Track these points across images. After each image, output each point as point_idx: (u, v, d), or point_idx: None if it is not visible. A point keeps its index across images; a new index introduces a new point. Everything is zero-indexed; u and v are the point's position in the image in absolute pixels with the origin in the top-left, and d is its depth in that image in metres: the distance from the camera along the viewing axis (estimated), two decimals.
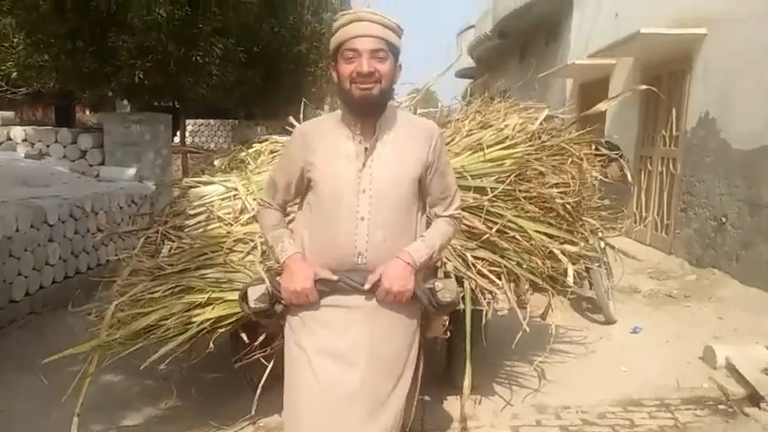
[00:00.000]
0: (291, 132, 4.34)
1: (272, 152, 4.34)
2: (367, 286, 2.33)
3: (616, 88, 10.28)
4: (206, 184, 4.16)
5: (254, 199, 3.78)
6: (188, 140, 17.24)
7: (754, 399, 4.06)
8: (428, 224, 2.59)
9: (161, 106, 12.08)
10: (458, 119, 4.13)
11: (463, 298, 3.26)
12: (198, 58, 10.17)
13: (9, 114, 13.07)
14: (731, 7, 7.68)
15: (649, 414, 4.02)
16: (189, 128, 19.57)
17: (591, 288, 5.50)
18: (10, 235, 5.52)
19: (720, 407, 4.09)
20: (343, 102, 2.37)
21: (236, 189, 3.96)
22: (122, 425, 3.93)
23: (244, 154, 4.42)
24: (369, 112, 2.33)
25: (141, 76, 9.83)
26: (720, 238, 7.48)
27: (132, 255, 3.86)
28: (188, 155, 12.83)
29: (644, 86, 4.39)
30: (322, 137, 2.42)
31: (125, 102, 12.41)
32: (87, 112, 16.73)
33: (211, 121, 20.81)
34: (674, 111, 9.00)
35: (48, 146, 11.42)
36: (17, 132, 11.85)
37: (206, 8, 10.16)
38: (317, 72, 15.91)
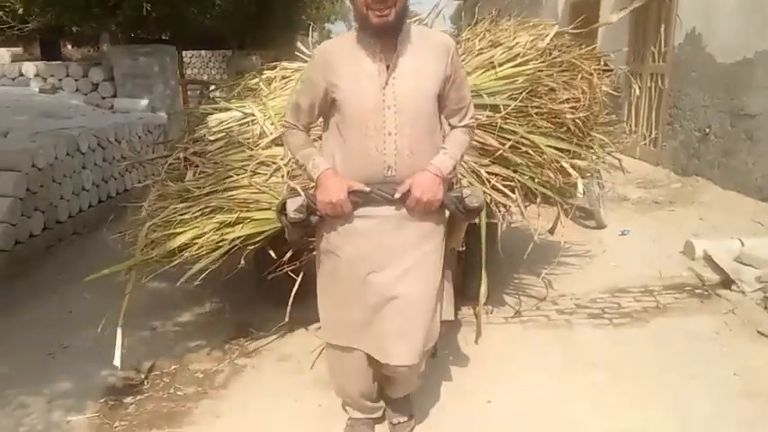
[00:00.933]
0: (299, 58, 4.37)
1: (283, 78, 4.31)
2: (397, 195, 2.39)
3: (607, 6, 10.11)
4: (223, 110, 4.10)
5: (272, 123, 3.81)
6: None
7: (726, 283, 4.54)
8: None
9: (151, 39, 11.85)
10: (467, 38, 4.08)
11: None
12: None
13: (18, 50, 12.90)
14: None
15: (634, 298, 4.46)
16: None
17: (584, 196, 5.57)
18: (51, 162, 5.87)
19: (697, 291, 4.54)
20: (360, 25, 2.37)
21: (253, 114, 3.94)
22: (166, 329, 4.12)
23: (256, 80, 4.33)
24: (387, 34, 2.33)
25: (149, 8, 9.66)
26: (704, 148, 7.73)
27: (159, 180, 3.90)
28: (186, 87, 12.68)
29: (620, 15, 4.26)
30: (343, 57, 2.41)
31: (107, 35, 12.13)
32: (69, 47, 16.36)
33: (203, 53, 20.18)
34: (662, 27, 8.92)
35: (60, 80, 11.33)
36: (29, 68, 11.74)
37: None
38: None
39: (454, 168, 2.53)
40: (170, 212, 3.53)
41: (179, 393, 3.44)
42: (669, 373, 3.43)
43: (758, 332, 3.81)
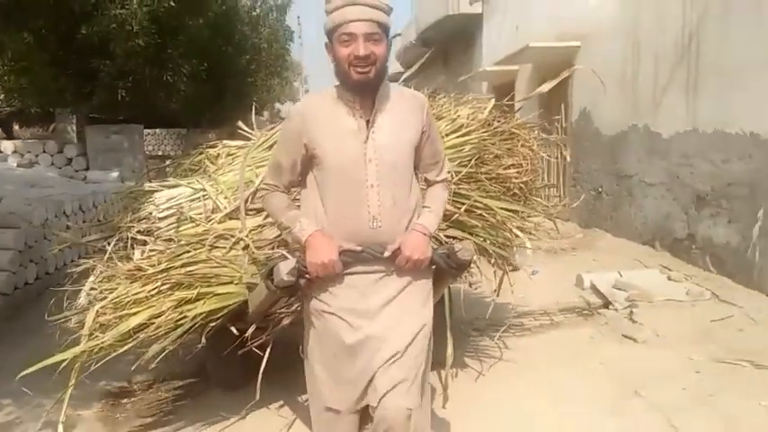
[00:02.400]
0: (243, 136, 4.18)
1: (228, 155, 4.13)
2: (387, 254, 2.32)
3: (520, 89, 11.36)
4: (171, 187, 3.83)
5: (225, 198, 3.57)
6: None
7: (605, 304, 5.57)
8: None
9: (111, 119, 12.93)
10: None
11: None
12: (168, 77, 11.33)
13: None
14: (600, 24, 8.93)
15: (534, 318, 5.18)
16: None
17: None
18: (43, 222, 6.57)
19: (584, 312, 5.45)
20: (341, 82, 2.32)
21: (204, 190, 3.72)
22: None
23: (202, 156, 4.11)
24: (367, 91, 2.30)
25: (123, 94, 11.00)
26: (599, 204, 8.82)
27: (102, 261, 3.56)
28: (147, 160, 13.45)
29: (550, 86, 4.38)
30: (322, 114, 2.35)
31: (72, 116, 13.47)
32: (18, 127, 16.29)
33: (157, 130, 19.92)
34: (562, 106, 9.95)
35: (36, 155, 12.43)
36: (7, 145, 12.90)
37: (172, 36, 11.30)
38: (257, 82, 16.86)
39: (438, 225, 2.52)
40: (122, 292, 3.22)
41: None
42: (555, 366, 4.21)
43: (622, 335, 4.76)
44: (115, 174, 10.66)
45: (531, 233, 3.81)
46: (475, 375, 4.08)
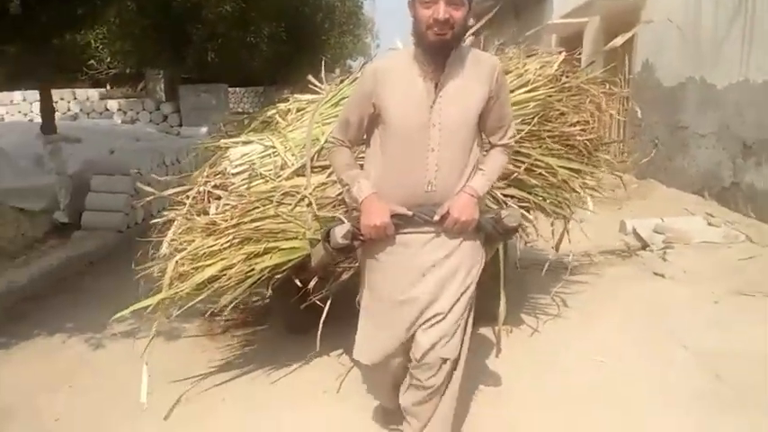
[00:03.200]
0: (314, 91, 3.82)
1: (298, 110, 3.75)
2: (436, 218, 2.16)
3: (588, 41, 10.48)
4: (244, 143, 3.52)
5: (293, 155, 3.28)
6: None
7: (644, 247, 5.36)
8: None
9: (194, 79, 12.94)
10: None
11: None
12: (252, 38, 11.46)
13: (103, 90, 14.50)
14: None
15: (577, 260, 4.56)
16: None
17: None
18: (148, 171, 6.64)
19: (624, 253, 5.24)
20: (418, 42, 2.10)
21: (273, 147, 3.40)
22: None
23: (273, 112, 3.78)
24: (442, 54, 2.08)
25: (213, 56, 11.26)
26: (656, 155, 7.94)
27: (182, 214, 3.35)
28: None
29: (623, 39, 3.81)
30: (394, 74, 2.16)
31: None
32: (109, 87, 16.30)
33: (237, 89, 19.08)
34: (626, 58, 9.09)
35: (137, 113, 12.79)
36: (113, 104, 13.27)
37: (255, 0, 11.33)
38: (330, 39, 16.27)
39: (490, 188, 2.34)
40: (198, 245, 3.03)
41: None
42: (596, 300, 4.12)
43: (654, 273, 4.66)
44: (204, 129, 10.67)
45: (593, 190, 3.37)
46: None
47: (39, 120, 12.84)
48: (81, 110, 13.61)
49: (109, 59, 12.89)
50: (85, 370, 3.46)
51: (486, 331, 3.50)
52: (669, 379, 3.05)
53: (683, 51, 7.65)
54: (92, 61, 13.60)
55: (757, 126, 6.11)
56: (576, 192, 3.17)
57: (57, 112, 9.69)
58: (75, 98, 13.88)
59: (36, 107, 13.65)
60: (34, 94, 13.66)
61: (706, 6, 7.13)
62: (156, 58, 11.69)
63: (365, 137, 2.32)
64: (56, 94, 11.59)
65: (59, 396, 3.18)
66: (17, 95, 13.82)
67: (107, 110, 13.17)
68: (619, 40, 3.76)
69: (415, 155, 2.12)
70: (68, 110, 13.49)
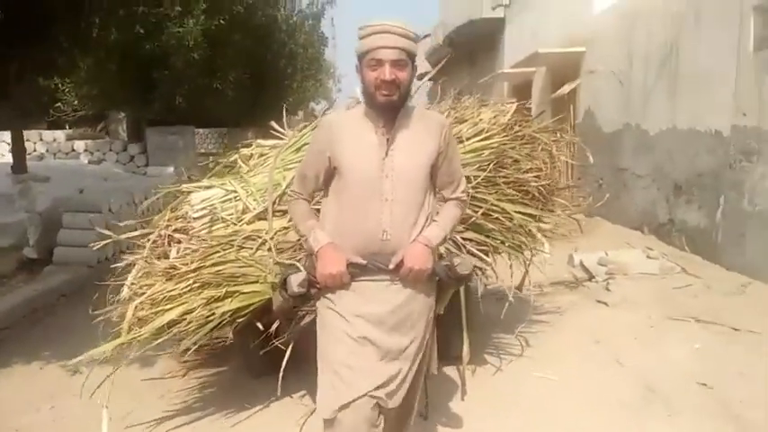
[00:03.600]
0: (277, 136, 3.70)
1: (261, 155, 3.61)
2: (391, 266, 2.07)
3: (536, 90, 10.78)
4: (206, 188, 3.36)
5: (255, 200, 3.16)
6: None
7: (590, 278, 5.48)
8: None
9: (160, 121, 12.76)
10: None
11: None
12: (218, 84, 11.32)
13: (69, 131, 14.22)
14: (602, 30, 8.45)
15: (534, 293, 4.34)
16: None
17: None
18: (117, 209, 6.61)
19: (572, 284, 5.35)
20: (368, 102, 2.08)
21: (235, 192, 3.26)
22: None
23: (235, 157, 3.62)
24: (391, 112, 2.07)
25: (180, 100, 11.11)
26: (600, 195, 8.07)
27: (142, 257, 3.15)
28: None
29: (570, 87, 3.84)
30: (347, 129, 2.13)
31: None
32: (68, 129, 15.87)
33: (201, 130, 18.80)
34: (571, 107, 9.31)
35: (104, 153, 12.62)
36: (79, 145, 13.07)
37: (221, 48, 11.27)
38: (293, 84, 16.24)
39: (444, 239, 2.19)
40: (157, 290, 2.84)
41: None
42: (541, 326, 4.18)
43: (597, 301, 4.80)
44: (171, 169, 10.56)
45: (548, 233, 3.32)
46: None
47: (3, 160, 12.57)
48: (47, 150, 13.28)
49: (76, 102, 12.69)
50: (65, 392, 3.29)
51: (451, 371, 3.36)
52: (605, 391, 3.21)
53: (618, 101, 7.97)
54: (59, 104, 13.23)
55: (685, 168, 6.38)
56: (533, 236, 3.09)
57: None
58: (42, 139, 13.55)
59: (1, 147, 13.28)
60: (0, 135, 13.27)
61: (636, 61, 7.48)
62: (124, 102, 11.62)
63: (323, 187, 2.24)
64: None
65: (43, 415, 3.19)
66: None
67: (73, 150, 12.93)
68: (566, 88, 3.80)
69: (369, 205, 2.06)
70: (35, 150, 13.08)
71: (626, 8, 7.80)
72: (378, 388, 2.07)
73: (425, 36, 23.41)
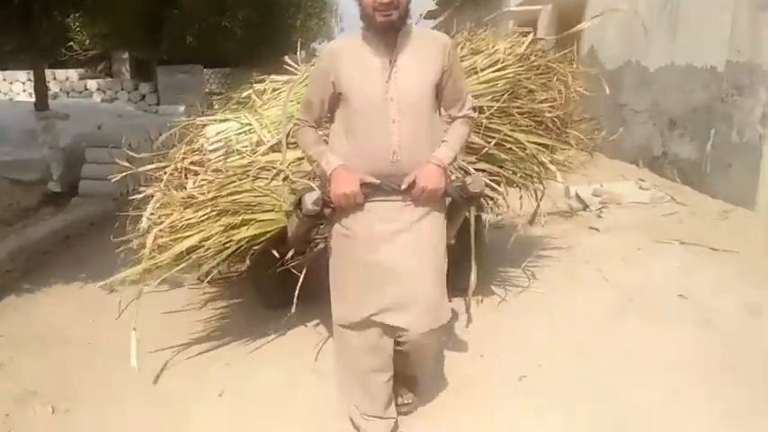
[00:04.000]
0: (289, 72, 3.51)
1: (274, 90, 3.43)
2: (404, 186, 2.01)
3: (542, 27, 10.31)
4: (220, 121, 3.20)
5: (269, 132, 3.02)
6: None
7: (584, 208, 5.41)
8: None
9: (169, 60, 12.36)
10: None
11: None
12: (227, 23, 11.10)
13: (82, 71, 13.80)
14: None
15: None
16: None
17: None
18: (135, 145, 6.27)
19: (567, 213, 5.25)
20: (366, 25, 1.98)
21: (250, 124, 3.11)
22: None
23: (249, 92, 3.44)
24: (390, 32, 1.97)
25: (190, 39, 10.92)
26: (597, 131, 7.66)
27: (159, 189, 3.05)
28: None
29: (587, 24, 3.60)
30: (349, 53, 2.03)
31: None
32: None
33: (206, 70, 18.53)
34: (575, 43, 8.67)
35: (116, 92, 12.24)
36: (92, 84, 12.72)
37: None
38: (297, 23, 15.83)
39: (455, 158, 2.14)
40: (176, 218, 2.74)
41: None
42: (535, 250, 4.15)
43: (590, 227, 4.82)
44: (182, 107, 10.27)
45: (562, 164, 3.19)
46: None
47: (18, 99, 12.28)
48: (61, 89, 12.96)
49: (87, 42, 12.26)
50: (105, 308, 3.20)
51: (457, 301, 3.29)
52: (590, 301, 3.35)
53: (620, 38, 7.76)
54: (71, 43, 12.77)
55: (681, 103, 6.33)
56: (546, 166, 2.96)
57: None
58: (55, 78, 13.13)
59: (15, 87, 12.99)
60: (13, 74, 12.90)
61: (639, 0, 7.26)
62: (134, 41, 11.24)
63: (329, 115, 2.16)
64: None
65: (86, 328, 3.22)
66: None
67: (86, 89, 12.59)
68: (584, 25, 3.55)
69: (377, 128, 1.98)
70: (49, 89, 12.75)
71: None
72: (384, 311, 2.03)
73: None
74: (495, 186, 2.79)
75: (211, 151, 3.10)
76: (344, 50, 2.04)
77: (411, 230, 2.03)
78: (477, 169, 2.73)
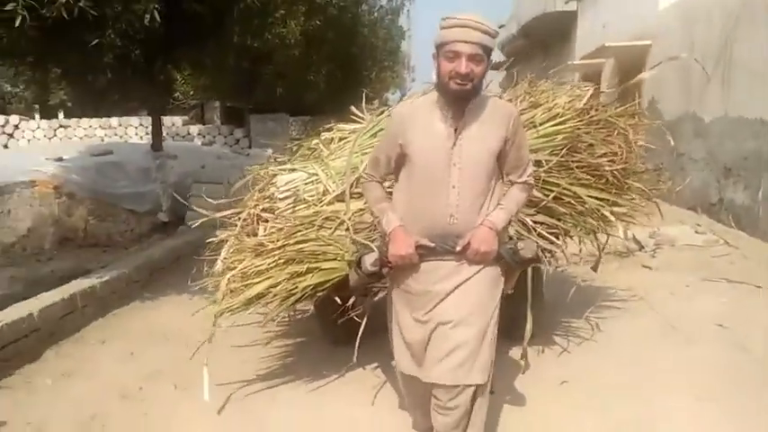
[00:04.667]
0: (356, 121, 3.41)
1: (340, 139, 3.30)
2: (458, 249, 1.91)
3: (605, 79, 10.22)
4: (290, 170, 3.12)
5: (334, 182, 2.90)
6: None
7: (640, 249, 5.21)
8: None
9: (257, 109, 13.00)
10: (509, 99, 3.01)
11: None
12: (312, 77, 11.48)
13: (186, 118, 14.76)
14: (665, 26, 8.12)
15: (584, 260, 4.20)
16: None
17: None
18: (233, 182, 6.81)
19: (623, 254, 5.05)
20: (440, 91, 1.90)
21: (316, 174, 3.00)
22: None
23: (316, 141, 3.35)
24: (462, 102, 1.87)
25: (280, 91, 11.43)
26: (659, 177, 7.37)
27: (233, 234, 2.99)
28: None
29: (647, 75, 3.33)
30: (418, 118, 1.95)
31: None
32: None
33: (288, 118, 19.19)
34: (636, 95, 8.50)
35: (214, 137, 12.96)
36: (194, 129, 13.49)
37: (316, 45, 11.37)
38: (372, 75, 15.95)
39: (509, 222, 2.02)
40: (247, 265, 2.66)
41: None
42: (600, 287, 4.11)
43: (642, 266, 4.75)
44: (270, 151, 10.90)
45: (625, 216, 2.92)
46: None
47: (131, 141, 13.08)
48: (167, 134, 13.62)
49: (192, 93, 13.05)
50: (209, 315, 3.15)
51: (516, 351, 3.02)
52: (634, 326, 3.41)
53: (678, 91, 7.62)
54: (177, 93, 13.53)
55: (734, 152, 6.23)
56: (607, 219, 2.67)
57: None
58: (163, 124, 13.90)
59: (130, 131, 13.82)
60: (127, 120, 13.77)
61: (696, 54, 7.02)
62: (231, 93, 11.88)
63: (394, 172, 2.08)
64: (147, 120, 11.79)
65: (195, 328, 3.15)
66: (114, 121, 13.89)
67: (189, 134, 13.19)
68: (645, 75, 3.26)
69: (437, 191, 1.90)
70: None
71: (687, 5, 7.42)
72: (424, 370, 1.96)
73: (500, 27, 21.78)
74: (553, 239, 2.53)
75: (281, 200, 3.02)
76: (413, 114, 1.97)
77: (462, 291, 1.93)
78: (535, 221, 2.50)
